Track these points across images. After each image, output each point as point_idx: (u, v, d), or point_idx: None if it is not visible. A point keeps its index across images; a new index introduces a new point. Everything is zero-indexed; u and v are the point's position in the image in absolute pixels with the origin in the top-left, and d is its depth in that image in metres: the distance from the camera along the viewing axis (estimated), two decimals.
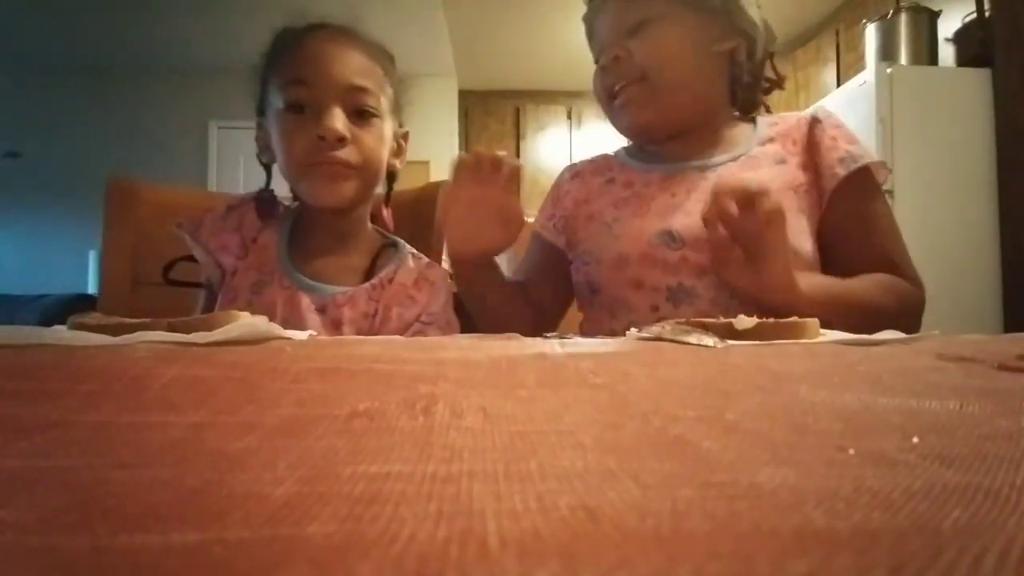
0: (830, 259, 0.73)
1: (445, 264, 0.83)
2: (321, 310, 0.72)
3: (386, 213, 0.82)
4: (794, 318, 0.45)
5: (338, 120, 0.68)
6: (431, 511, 0.11)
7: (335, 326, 0.71)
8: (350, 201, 0.73)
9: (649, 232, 0.72)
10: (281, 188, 0.79)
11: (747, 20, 0.77)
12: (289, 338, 0.43)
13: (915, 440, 0.16)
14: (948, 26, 2.53)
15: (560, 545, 0.09)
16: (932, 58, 2.47)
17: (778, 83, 0.83)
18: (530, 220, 0.79)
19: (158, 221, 0.98)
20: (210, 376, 0.26)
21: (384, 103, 0.73)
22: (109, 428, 0.17)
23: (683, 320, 0.46)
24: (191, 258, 0.78)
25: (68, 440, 0.16)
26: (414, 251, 0.80)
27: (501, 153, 0.66)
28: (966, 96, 2.26)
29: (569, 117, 4.89)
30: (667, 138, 0.79)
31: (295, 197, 0.79)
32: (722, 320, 0.44)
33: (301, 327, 0.66)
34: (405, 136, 0.81)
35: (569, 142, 4.88)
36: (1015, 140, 2.17)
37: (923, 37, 2.48)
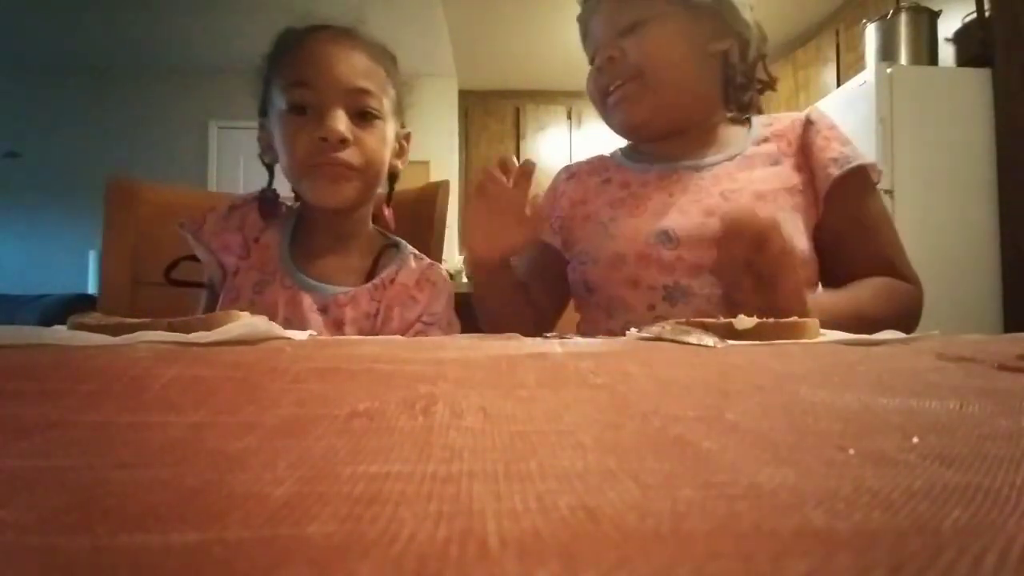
0: (828, 260, 0.74)
1: (444, 265, 0.83)
2: (323, 310, 0.72)
3: (387, 213, 0.82)
4: (794, 318, 0.45)
5: (340, 122, 0.68)
6: (431, 511, 0.11)
7: (337, 326, 0.71)
8: (352, 202, 0.73)
9: (645, 232, 0.72)
10: (283, 188, 0.80)
11: (740, 21, 0.78)
12: (289, 338, 0.43)
13: (915, 440, 0.16)
14: (948, 26, 2.53)
15: (560, 545, 0.09)
16: (932, 58, 2.47)
17: (770, 84, 0.83)
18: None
19: (158, 221, 0.98)
20: (210, 376, 0.26)
21: (386, 104, 0.73)
22: (109, 428, 0.17)
23: (683, 320, 0.46)
24: (193, 258, 0.78)
25: (68, 440, 0.16)
26: (415, 252, 0.81)
27: (509, 157, 0.67)
28: (966, 96, 2.26)
29: (569, 117, 4.89)
30: (661, 137, 0.80)
31: (297, 197, 0.79)
32: (722, 320, 0.44)
33: (303, 327, 0.67)
34: (407, 137, 0.81)
35: (569, 142, 4.87)
36: (1015, 140, 2.17)
37: (923, 37, 2.48)
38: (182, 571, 0.09)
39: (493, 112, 4.89)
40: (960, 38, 2.48)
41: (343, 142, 0.69)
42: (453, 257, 4.33)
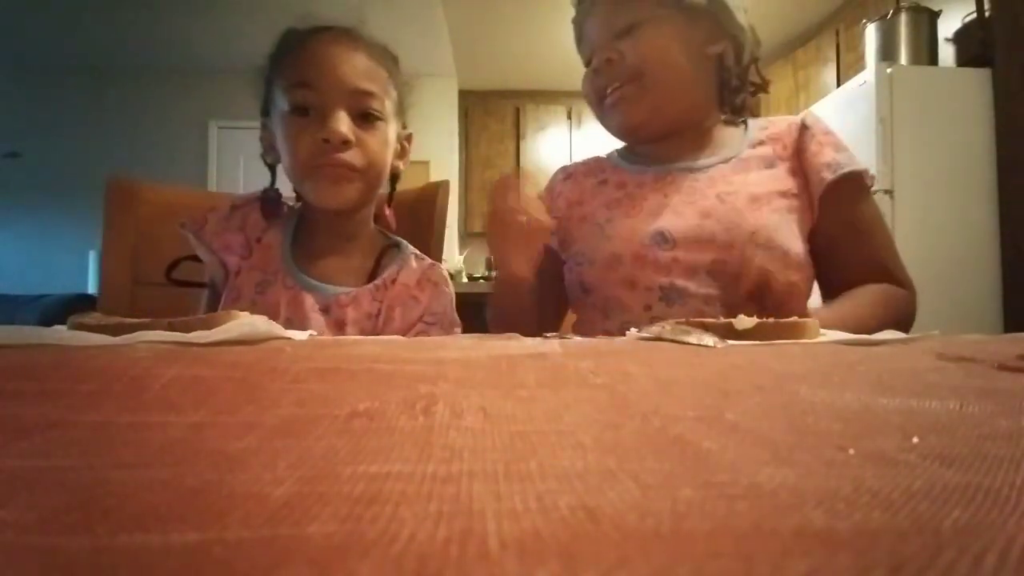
0: (823, 265, 0.75)
1: (444, 264, 0.84)
2: (325, 310, 0.72)
3: (388, 213, 0.82)
4: (794, 318, 0.45)
5: (343, 123, 0.68)
6: (431, 511, 0.11)
7: (339, 326, 0.72)
8: (354, 203, 0.73)
9: (641, 232, 0.73)
10: (284, 188, 0.80)
11: (735, 24, 0.78)
12: (289, 338, 0.43)
13: (915, 440, 0.16)
14: (948, 26, 2.53)
15: (560, 545, 0.09)
16: (932, 58, 2.47)
17: (763, 87, 0.84)
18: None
19: (158, 221, 0.98)
20: (210, 376, 0.26)
21: (388, 106, 0.74)
22: (109, 428, 0.17)
23: (683, 320, 0.46)
24: (194, 258, 0.78)
25: (68, 440, 0.16)
26: (417, 252, 0.81)
27: (507, 176, 0.68)
28: (966, 96, 2.26)
29: (569, 117, 4.89)
30: (658, 138, 0.80)
31: (298, 198, 0.80)
32: (722, 320, 0.44)
33: (305, 327, 0.67)
34: (409, 138, 0.81)
35: (569, 142, 4.87)
36: (1015, 140, 2.17)
37: (923, 37, 2.48)
38: (182, 571, 0.09)
39: (493, 112, 4.89)
40: (960, 38, 2.48)
41: (345, 143, 0.69)
42: (453, 257, 4.33)
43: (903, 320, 0.71)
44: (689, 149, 0.79)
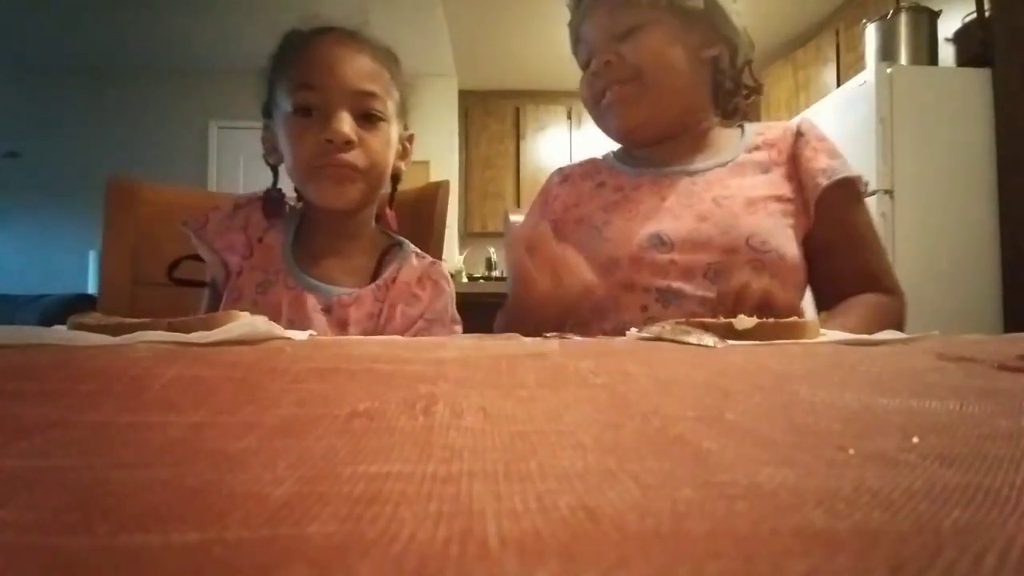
0: (816, 270, 0.75)
1: (444, 264, 0.84)
2: (327, 310, 0.72)
3: (390, 214, 0.82)
4: (794, 318, 0.45)
5: (345, 124, 0.69)
6: (431, 511, 0.11)
7: (341, 326, 0.72)
8: (356, 203, 0.74)
9: (639, 235, 0.73)
10: (286, 189, 0.80)
11: (730, 27, 0.79)
12: (289, 338, 0.43)
13: (915, 440, 0.16)
14: (948, 26, 2.53)
15: (560, 545, 0.09)
16: (932, 58, 2.47)
17: (757, 90, 0.85)
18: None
19: (158, 221, 0.98)
20: (210, 376, 0.26)
21: (391, 107, 0.74)
22: (109, 428, 0.17)
23: (683, 320, 0.46)
24: (195, 257, 0.78)
25: (68, 440, 0.16)
26: (417, 250, 0.81)
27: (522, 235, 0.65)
28: (966, 96, 2.26)
29: (569, 117, 4.89)
30: (655, 141, 0.80)
31: (299, 198, 0.80)
32: (722, 320, 0.44)
33: (307, 327, 0.67)
34: (410, 139, 0.81)
35: (569, 142, 4.87)
36: (1015, 140, 2.17)
37: (923, 37, 2.48)
38: (182, 571, 0.09)
39: (493, 112, 4.89)
40: (960, 38, 2.48)
41: (348, 144, 0.69)
42: (453, 257, 4.33)
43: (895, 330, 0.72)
44: (686, 152, 0.80)
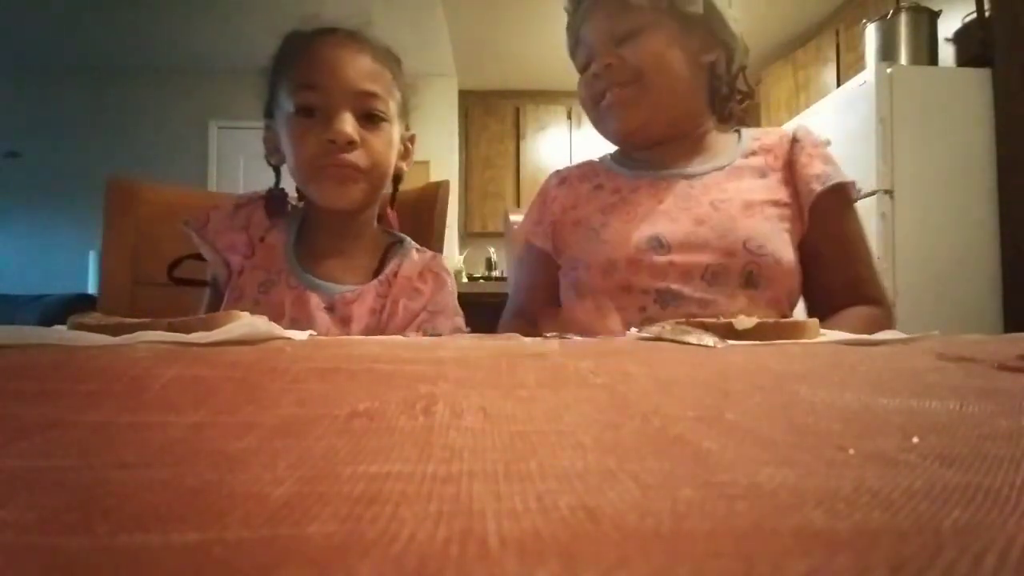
0: (806, 275, 0.76)
1: (446, 260, 0.84)
2: (330, 308, 0.72)
3: (391, 214, 0.83)
4: (794, 318, 0.45)
5: (348, 124, 0.69)
6: (431, 511, 0.11)
7: (344, 323, 0.72)
8: (359, 203, 0.74)
9: (637, 237, 0.73)
10: (288, 189, 0.80)
11: (728, 33, 0.80)
12: (289, 338, 0.43)
13: (915, 440, 0.16)
14: (948, 26, 2.53)
15: (560, 545, 0.09)
16: (932, 58, 2.47)
17: (749, 95, 0.86)
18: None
19: (158, 221, 0.98)
20: (210, 376, 0.26)
21: (392, 107, 0.74)
22: (109, 428, 0.17)
23: (683, 320, 0.46)
24: (196, 256, 0.78)
25: (68, 440, 0.16)
26: (418, 246, 0.81)
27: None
28: (966, 96, 2.25)
29: (569, 117, 4.89)
30: (654, 144, 0.81)
31: (300, 198, 0.80)
32: (722, 320, 0.44)
33: (310, 326, 0.67)
34: (412, 139, 0.82)
35: (569, 142, 4.87)
36: (1015, 140, 2.17)
37: (923, 37, 2.47)
38: (182, 571, 0.09)
39: (493, 112, 4.89)
40: (960, 38, 2.48)
41: (351, 144, 0.69)
42: (453, 257, 4.33)
43: None
44: (683, 155, 0.81)
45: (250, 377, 0.26)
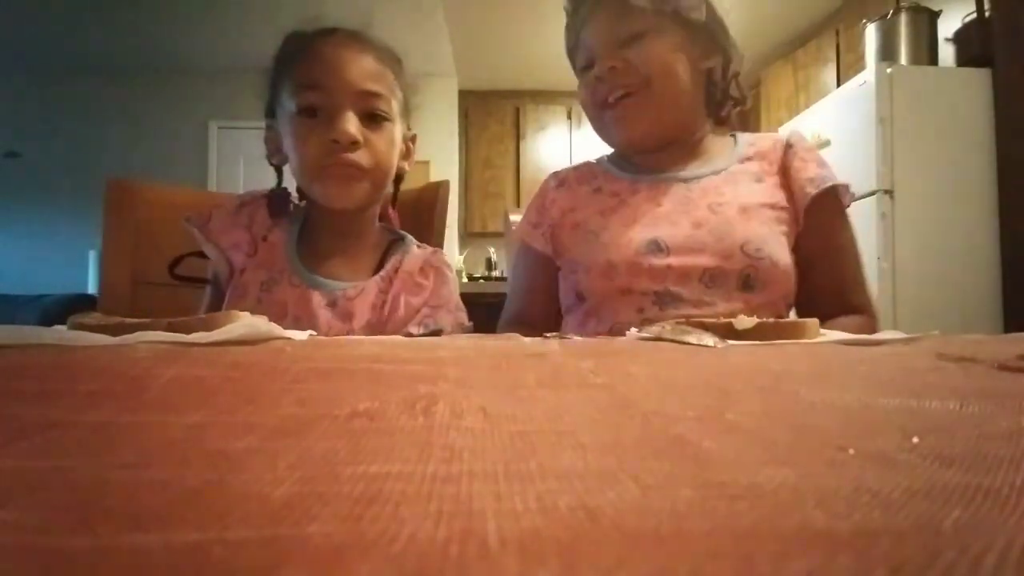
0: (797, 278, 0.76)
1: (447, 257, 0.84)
2: (332, 305, 0.72)
3: (392, 214, 0.83)
4: (794, 318, 0.45)
5: (351, 124, 0.69)
6: (431, 511, 0.11)
7: (346, 319, 0.72)
8: (361, 203, 0.74)
9: (636, 241, 0.74)
10: (290, 188, 0.80)
11: (728, 39, 0.80)
12: (289, 338, 0.43)
13: (915, 440, 0.16)
14: (948, 26, 2.53)
15: (560, 545, 0.09)
16: (932, 58, 2.47)
17: (741, 100, 0.86)
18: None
19: (158, 221, 0.98)
20: (210, 376, 0.26)
21: (395, 107, 0.74)
22: (109, 428, 0.17)
23: (683, 320, 0.46)
24: (198, 254, 0.78)
25: (68, 440, 0.16)
26: (418, 243, 0.81)
27: None
28: (966, 96, 2.26)
29: (569, 117, 4.89)
30: (656, 148, 0.82)
31: (302, 197, 0.80)
32: (722, 320, 0.44)
33: (312, 325, 0.67)
34: (413, 139, 0.82)
35: (569, 142, 4.87)
36: (1015, 140, 2.17)
37: (923, 37, 2.48)
38: (182, 571, 0.09)
39: (493, 112, 4.89)
40: (960, 38, 2.48)
41: (354, 144, 0.69)
42: (453, 257, 4.33)
43: None
44: (681, 159, 0.81)
45: (250, 377, 0.26)
